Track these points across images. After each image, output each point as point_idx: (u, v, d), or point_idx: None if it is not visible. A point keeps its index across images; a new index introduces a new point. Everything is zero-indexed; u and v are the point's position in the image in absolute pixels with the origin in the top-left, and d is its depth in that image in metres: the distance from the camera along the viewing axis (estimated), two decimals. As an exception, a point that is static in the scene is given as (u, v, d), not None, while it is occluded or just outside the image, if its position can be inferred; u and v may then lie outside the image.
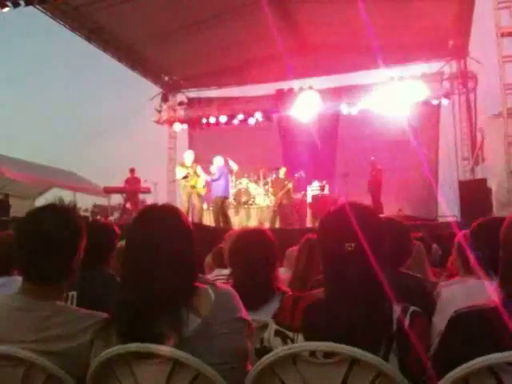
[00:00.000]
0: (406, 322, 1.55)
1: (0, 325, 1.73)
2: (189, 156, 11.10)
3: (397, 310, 1.58)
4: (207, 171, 11.04)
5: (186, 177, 10.73)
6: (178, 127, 16.47)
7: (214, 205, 10.89)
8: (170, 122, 16.54)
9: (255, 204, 13.14)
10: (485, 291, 2.09)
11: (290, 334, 1.66)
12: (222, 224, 10.63)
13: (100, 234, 2.80)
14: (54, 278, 1.79)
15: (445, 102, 14.17)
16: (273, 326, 1.74)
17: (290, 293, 2.30)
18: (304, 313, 1.65)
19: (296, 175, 12.83)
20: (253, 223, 12.34)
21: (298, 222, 12.34)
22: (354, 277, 1.59)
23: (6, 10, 10.06)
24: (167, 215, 1.79)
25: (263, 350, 1.74)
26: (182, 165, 11.07)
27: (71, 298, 2.47)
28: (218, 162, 11.00)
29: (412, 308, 1.60)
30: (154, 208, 1.85)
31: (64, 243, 1.77)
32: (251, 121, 15.50)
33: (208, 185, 11.08)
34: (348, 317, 1.55)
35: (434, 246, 5.02)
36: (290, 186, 12.16)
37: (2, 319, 1.74)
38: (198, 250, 1.79)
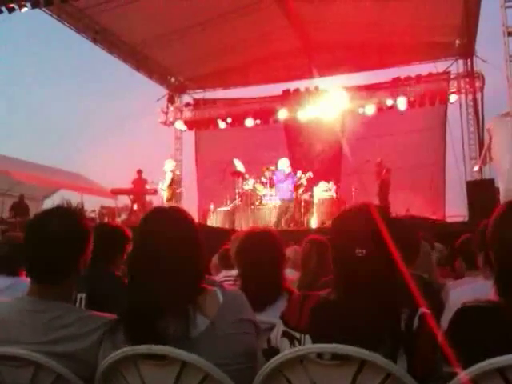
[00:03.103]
0: (415, 325, 1.54)
1: (9, 326, 1.74)
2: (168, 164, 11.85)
3: (406, 312, 1.57)
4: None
5: None
6: (181, 126, 16.46)
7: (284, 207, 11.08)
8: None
9: (262, 205, 13.10)
10: (492, 291, 2.08)
11: (297, 334, 1.66)
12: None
13: (110, 236, 2.80)
14: (60, 280, 1.79)
15: (452, 101, 14.11)
16: (281, 327, 1.74)
17: (298, 293, 2.29)
18: (312, 313, 1.65)
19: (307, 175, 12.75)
20: (260, 224, 12.30)
21: (305, 223, 12.31)
22: (364, 282, 1.60)
23: (12, 13, 10.11)
24: (174, 217, 1.79)
25: (271, 351, 1.73)
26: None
27: (80, 299, 2.48)
28: (284, 164, 11.12)
29: (421, 310, 1.59)
30: (161, 210, 1.86)
31: (70, 245, 1.78)
32: (257, 121, 15.50)
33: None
34: (357, 319, 1.54)
35: (437, 244, 4.99)
36: (304, 182, 12.10)
37: (11, 321, 1.75)
38: (204, 251, 1.79)
